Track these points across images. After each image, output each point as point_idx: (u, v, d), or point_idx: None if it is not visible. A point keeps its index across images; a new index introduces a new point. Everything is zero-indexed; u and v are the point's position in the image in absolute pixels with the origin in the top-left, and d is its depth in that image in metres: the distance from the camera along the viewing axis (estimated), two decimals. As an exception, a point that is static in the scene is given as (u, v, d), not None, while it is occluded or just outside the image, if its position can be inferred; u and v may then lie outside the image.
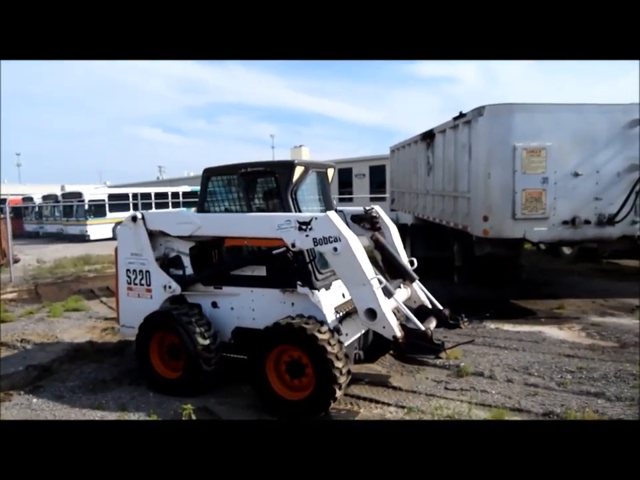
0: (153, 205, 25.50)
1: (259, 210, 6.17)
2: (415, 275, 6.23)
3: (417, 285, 6.34)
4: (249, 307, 6.04)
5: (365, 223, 6.61)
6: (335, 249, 5.26)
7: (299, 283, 5.66)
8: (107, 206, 26.20)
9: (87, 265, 17.37)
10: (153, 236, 6.43)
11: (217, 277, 6.24)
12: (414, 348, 5.35)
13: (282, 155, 56.85)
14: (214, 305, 6.26)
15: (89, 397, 6.07)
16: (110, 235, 26.10)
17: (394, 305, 5.51)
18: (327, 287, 5.83)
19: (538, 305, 9.66)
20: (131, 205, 24.40)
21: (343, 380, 5.13)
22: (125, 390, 6.25)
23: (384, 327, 5.25)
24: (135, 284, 6.51)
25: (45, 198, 30.74)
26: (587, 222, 9.09)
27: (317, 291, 5.62)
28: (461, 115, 10.02)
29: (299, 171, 5.88)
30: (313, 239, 5.36)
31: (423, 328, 5.40)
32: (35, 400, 6.01)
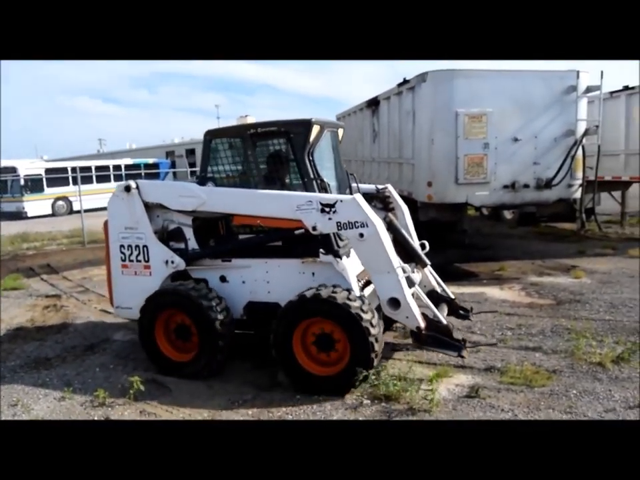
0: (94, 179, 24.59)
1: (271, 176, 5.65)
2: (427, 260, 5.99)
3: (428, 270, 6.18)
4: (263, 279, 5.60)
5: (377, 202, 6.24)
6: (361, 235, 4.96)
7: (321, 251, 5.29)
8: (44, 180, 25.07)
9: (26, 243, 16.64)
10: (149, 207, 5.85)
11: (226, 250, 5.81)
12: (435, 341, 5.11)
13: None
14: (222, 279, 5.76)
15: (32, 375, 5.89)
16: (49, 212, 25.11)
17: (414, 292, 5.31)
18: (347, 255, 5.46)
19: (480, 268, 9.98)
20: (70, 179, 23.44)
21: (378, 348, 4.91)
22: (70, 366, 6.09)
23: (407, 317, 5.07)
24: (131, 260, 5.91)
25: (-24, 174, 29.08)
26: (526, 186, 9.43)
27: (340, 259, 5.30)
28: (405, 82, 10.08)
29: (315, 129, 5.39)
30: (337, 222, 5.01)
31: (445, 322, 5.25)
32: (-27, 381, 5.78)
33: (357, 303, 4.85)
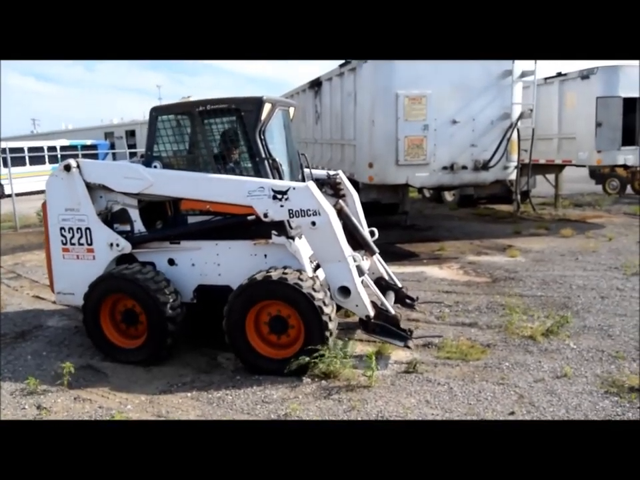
0: (27, 161, 23.43)
1: (220, 155, 5.50)
2: (375, 248, 6.01)
3: (377, 258, 6.21)
4: (214, 261, 5.44)
5: (328, 188, 6.22)
6: (313, 223, 4.98)
7: (274, 232, 5.16)
8: (-29, 163, 23.70)
9: (-48, 228, 15.75)
10: (91, 188, 5.56)
11: (176, 233, 5.60)
12: (383, 331, 5.18)
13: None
14: (171, 262, 5.55)
15: (-43, 365, 5.60)
16: (-22, 195, 23.82)
17: (363, 281, 5.38)
18: (299, 236, 5.31)
19: (421, 248, 10.19)
20: (0, 160, 22.24)
21: (332, 326, 4.92)
22: (-1, 355, 5.84)
23: (357, 306, 5.14)
24: (73, 244, 5.63)
25: None
26: (464, 167, 9.63)
27: (292, 241, 5.17)
28: (347, 62, 10.07)
29: (267, 107, 5.29)
30: (289, 210, 5.00)
31: (393, 312, 5.33)
32: None
33: (308, 283, 4.84)
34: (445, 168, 9.47)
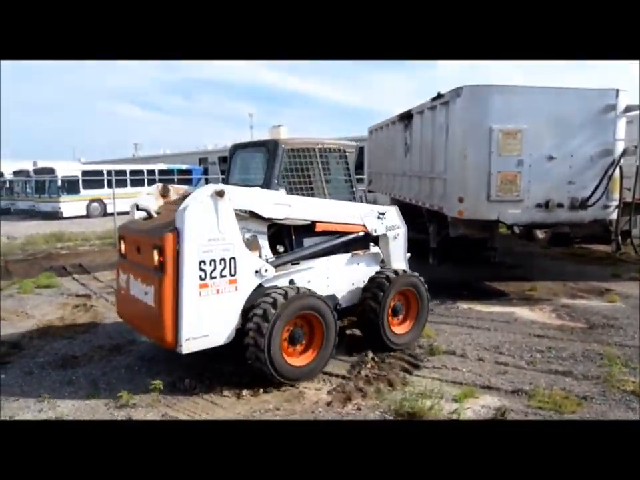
0: (128, 183, 25.07)
1: (330, 185, 6.65)
2: None
3: None
4: (325, 275, 6.26)
5: None
6: (397, 235, 6.80)
7: (372, 244, 6.75)
8: (80, 182, 25.68)
9: (60, 242, 17.05)
10: None
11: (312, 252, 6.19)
12: None
13: (260, 135, 55.84)
14: (291, 282, 5.89)
15: (59, 372, 5.98)
16: (84, 213, 25.68)
17: None
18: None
19: (510, 287, 9.80)
20: (106, 182, 23.90)
21: None
22: (96, 365, 6.17)
23: None
24: (213, 277, 5.08)
25: (15, 174, 29.97)
26: (560, 205, 9.18)
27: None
28: (439, 96, 9.98)
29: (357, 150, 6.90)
30: (386, 226, 6.68)
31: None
32: (2, 376, 5.89)
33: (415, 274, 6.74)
34: (539, 205, 9.07)
